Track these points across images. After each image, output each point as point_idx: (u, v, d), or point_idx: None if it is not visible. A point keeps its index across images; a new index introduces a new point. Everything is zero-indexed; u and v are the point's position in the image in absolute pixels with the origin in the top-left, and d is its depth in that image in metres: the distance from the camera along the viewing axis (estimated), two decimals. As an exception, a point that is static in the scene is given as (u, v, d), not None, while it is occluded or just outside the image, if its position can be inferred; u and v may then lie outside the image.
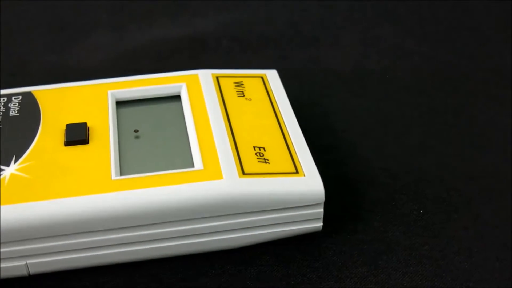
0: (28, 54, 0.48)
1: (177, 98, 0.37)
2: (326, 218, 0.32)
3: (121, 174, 0.31)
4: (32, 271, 0.31)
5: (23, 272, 0.31)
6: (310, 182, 0.31)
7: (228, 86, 0.37)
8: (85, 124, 0.34)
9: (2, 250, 0.30)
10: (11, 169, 0.31)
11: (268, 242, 0.32)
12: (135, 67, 0.46)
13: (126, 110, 0.36)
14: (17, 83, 0.39)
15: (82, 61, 0.47)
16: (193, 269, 0.32)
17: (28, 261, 0.30)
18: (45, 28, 0.51)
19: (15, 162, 0.32)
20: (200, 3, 0.54)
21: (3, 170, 0.31)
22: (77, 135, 0.33)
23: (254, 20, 0.52)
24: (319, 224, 0.32)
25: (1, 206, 0.30)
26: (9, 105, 0.36)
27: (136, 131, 0.34)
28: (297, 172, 0.32)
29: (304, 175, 0.32)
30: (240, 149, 0.32)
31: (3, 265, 0.30)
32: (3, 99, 0.36)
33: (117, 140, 0.33)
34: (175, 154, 0.33)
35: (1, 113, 0.35)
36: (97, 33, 0.50)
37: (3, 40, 0.50)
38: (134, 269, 0.32)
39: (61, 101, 0.36)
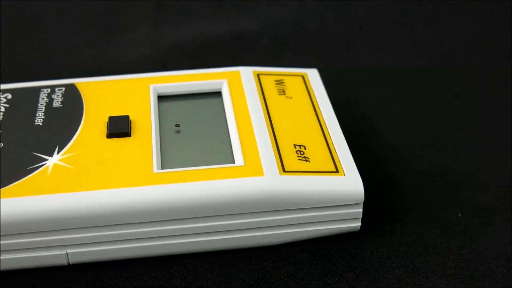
0: (70, 47, 0.49)
1: (217, 94, 0.37)
2: (363, 218, 0.32)
3: (162, 168, 0.32)
4: (72, 260, 0.31)
5: (63, 261, 0.31)
6: (350, 182, 0.31)
7: (269, 84, 0.37)
8: (127, 117, 0.34)
9: (43, 238, 0.30)
10: (54, 159, 0.32)
11: (305, 240, 0.32)
12: (174, 62, 0.47)
13: (167, 104, 0.36)
14: (59, 75, 0.40)
15: (122, 56, 0.48)
16: (230, 264, 0.32)
17: (68, 251, 0.31)
18: (88, 21, 0.52)
19: (58, 153, 0.32)
20: (242, 1, 0.54)
21: (46, 160, 0.32)
22: (119, 127, 0.33)
23: (294, 19, 0.52)
24: (357, 224, 0.32)
25: (44, 195, 0.30)
26: (53, 96, 0.36)
27: (177, 125, 0.35)
28: (337, 171, 0.32)
29: (344, 175, 0.32)
30: (280, 147, 0.33)
31: (44, 253, 0.31)
32: (47, 90, 0.37)
33: (158, 134, 0.34)
34: (215, 150, 0.33)
35: (44, 103, 0.35)
36: (138, 28, 0.51)
37: (48, 32, 0.50)
38: (171, 262, 0.32)
39: (103, 94, 0.36)
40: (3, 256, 0.30)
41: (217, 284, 0.31)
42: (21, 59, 0.48)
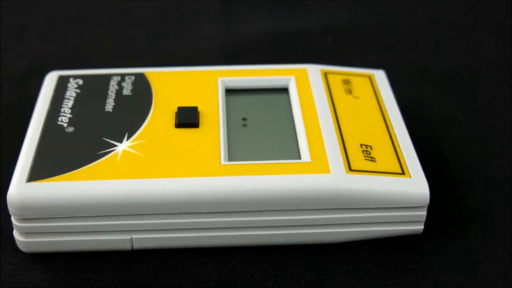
0: (138, 38, 0.50)
1: (284, 90, 0.37)
2: (426, 221, 0.32)
3: (229, 160, 0.32)
4: (136, 246, 0.32)
5: (127, 246, 0.32)
6: (415, 184, 0.31)
7: (336, 83, 0.37)
8: (196, 108, 0.34)
9: (109, 222, 0.31)
10: (124, 146, 0.32)
11: (367, 240, 0.32)
12: (239, 57, 0.47)
13: (234, 98, 0.36)
14: (128, 64, 0.40)
15: (188, 48, 0.48)
16: (291, 259, 0.32)
17: (133, 236, 0.31)
18: (156, 13, 0.52)
19: (127, 139, 0.33)
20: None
21: (116, 146, 0.32)
22: (188, 118, 0.34)
23: (360, 19, 0.52)
24: (420, 227, 0.32)
25: (113, 180, 0.30)
26: (122, 84, 0.37)
27: (244, 119, 0.35)
28: (403, 173, 0.32)
29: (410, 177, 0.32)
30: (347, 146, 0.33)
31: (110, 237, 0.31)
32: (117, 78, 0.37)
33: (226, 127, 0.34)
34: (282, 145, 0.33)
35: (114, 91, 0.36)
36: (205, 21, 0.51)
37: (117, 23, 0.51)
38: (232, 253, 0.32)
39: (172, 84, 0.37)
40: (72, 238, 0.31)
41: (277, 278, 0.31)
42: (90, 47, 0.49)
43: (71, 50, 0.48)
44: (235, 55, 0.47)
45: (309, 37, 0.50)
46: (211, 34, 0.50)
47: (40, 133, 0.33)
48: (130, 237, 0.31)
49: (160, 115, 0.34)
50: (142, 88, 0.36)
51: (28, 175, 0.31)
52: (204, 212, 0.31)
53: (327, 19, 0.52)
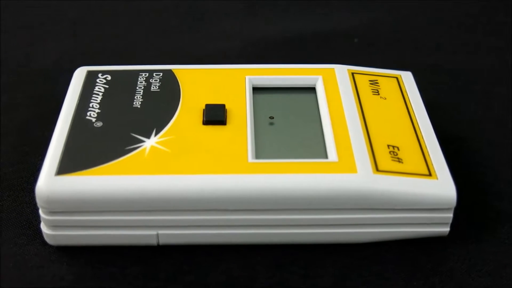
0: (164, 36, 0.50)
1: (311, 90, 0.37)
2: (452, 224, 0.32)
3: (256, 158, 0.32)
4: (162, 241, 0.32)
5: (153, 242, 0.32)
6: (442, 186, 0.31)
7: (363, 83, 0.37)
8: (223, 105, 0.34)
9: (137, 218, 0.31)
10: (152, 142, 0.33)
11: (393, 241, 0.32)
12: (265, 56, 0.47)
13: (262, 96, 0.36)
14: (154, 61, 0.40)
15: (214, 46, 0.48)
16: (315, 259, 0.32)
17: (160, 232, 0.32)
18: (183, 12, 0.53)
19: (155, 135, 0.33)
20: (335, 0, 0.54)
21: (144, 141, 0.33)
22: (216, 115, 0.34)
23: (386, 20, 0.52)
24: (446, 229, 0.32)
25: (141, 176, 0.31)
26: (150, 80, 0.37)
27: (271, 117, 0.35)
28: (430, 174, 0.32)
29: (437, 178, 0.32)
30: (374, 146, 0.33)
31: (136, 232, 0.31)
32: (145, 74, 0.37)
33: (253, 124, 0.34)
34: (309, 144, 0.33)
35: (142, 87, 0.36)
36: (231, 20, 0.51)
37: (143, 21, 0.51)
38: (255, 251, 0.32)
39: (200, 82, 0.37)
40: (99, 232, 0.31)
41: (301, 277, 0.31)
42: (118, 43, 0.49)
43: (100, 46, 0.49)
44: (261, 54, 0.47)
45: (335, 37, 0.50)
46: (236, 33, 0.50)
47: (69, 127, 0.33)
48: (156, 233, 0.32)
49: (187, 112, 0.34)
50: (170, 84, 0.37)
51: (57, 168, 0.31)
52: (230, 210, 0.31)
53: (354, 19, 0.52)
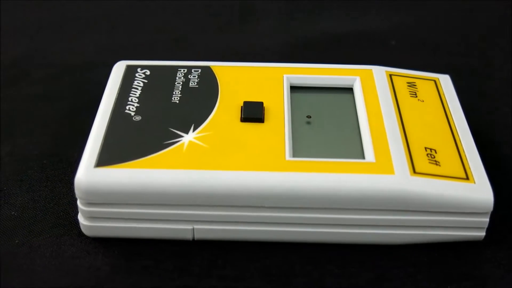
0: (203, 33, 0.50)
1: (349, 90, 0.37)
2: (487, 228, 0.32)
3: (294, 156, 0.32)
4: (197, 236, 0.32)
5: (188, 236, 0.32)
6: (479, 190, 0.31)
7: (401, 85, 0.37)
8: (262, 103, 0.35)
9: (174, 212, 0.31)
10: (190, 137, 0.33)
11: (428, 244, 0.32)
12: (303, 55, 0.47)
13: (299, 95, 0.37)
14: (193, 58, 0.41)
15: (253, 44, 0.49)
16: (350, 258, 0.32)
17: (195, 226, 0.32)
18: (223, 10, 0.53)
19: (193, 131, 0.33)
20: (373, 1, 0.54)
21: (182, 136, 0.33)
22: (254, 113, 0.34)
23: (427, 22, 0.52)
24: (482, 233, 0.32)
25: (179, 170, 0.31)
26: (189, 76, 0.37)
27: (308, 116, 0.35)
28: (467, 178, 0.32)
29: (475, 182, 0.31)
30: (411, 148, 0.33)
31: (172, 226, 0.32)
32: (183, 70, 0.38)
33: (290, 123, 0.34)
34: (346, 144, 0.33)
35: (181, 82, 0.37)
36: (271, 18, 0.52)
37: (184, 18, 0.52)
38: (291, 249, 0.32)
39: (238, 79, 0.37)
40: (135, 225, 0.32)
41: (336, 276, 0.31)
42: (157, 39, 0.49)
43: (138, 41, 0.49)
44: (299, 53, 0.47)
45: (372, 39, 0.50)
46: (275, 32, 0.50)
47: (108, 120, 0.34)
48: (192, 227, 0.32)
49: (225, 109, 0.35)
50: (208, 81, 0.37)
51: (96, 160, 0.31)
52: (266, 207, 0.31)
53: (392, 21, 0.52)
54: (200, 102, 0.35)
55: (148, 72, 0.37)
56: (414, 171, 0.31)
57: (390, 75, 0.38)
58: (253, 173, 0.31)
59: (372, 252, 0.32)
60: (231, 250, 0.32)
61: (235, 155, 0.32)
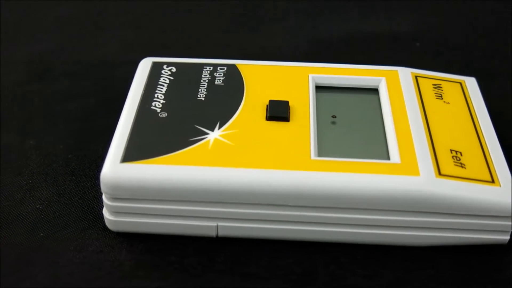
0: (227, 31, 0.50)
1: (374, 91, 0.37)
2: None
3: (319, 155, 0.32)
4: (221, 233, 0.32)
5: (212, 233, 0.32)
6: (505, 193, 0.31)
7: (427, 87, 0.37)
8: (287, 102, 0.35)
9: (197, 208, 0.31)
10: (215, 134, 0.33)
11: (451, 246, 0.32)
12: (329, 55, 0.47)
13: (324, 95, 0.37)
14: (217, 55, 0.41)
15: (278, 43, 0.49)
16: (373, 259, 0.32)
17: (219, 223, 0.32)
18: (247, 9, 0.53)
19: (219, 128, 0.33)
20: (399, 2, 0.54)
21: (207, 134, 0.33)
22: (279, 111, 0.34)
23: (452, 24, 0.51)
24: (506, 237, 0.32)
25: (205, 167, 0.31)
26: (215, 74, 0.37)
27: (333, 116, 0.35)
28: (493, 181, 0.32)
29: (500, 185, 0.31)
30: (437, 150, 0.33)
31: (197, 223, 0.32)
32: (209, 68, 0.38)
33: (315, 122, 0.34)
34: (371, 144, 0.33)
35: (207, 80, 0.37)
36: (296, 18, 0.52)
37: (208, 17, 0.52)
38: (314, 248, 0.32)
39: (263, 78, 0.37)
40: (160, 221, 0.32)
41: (358, 276, 0.31)
42: (182, 37, 0.49)
43: (163, 39, 0.49)
44: (325, 53, 0.47)
45: (397, 40, 0.50)
46: (301, 31, 0.50)
47: (134, 116, 0.34)
48: (216, 224, 0.32)
49: (251, 107, 0.35)
50: (234, 79, 0.37)
51: (122, 156, 0.32)
52: (290, 205, 0.31)
53: (417, 23, 0.51)
54: (225, 100, 0.35)
55: (174, 69, 0.38)
56: (439, 173, 0.31)
57: (416, 77, 0.38)
58: (278, 172, 0.31)
59: (395, 253, 0.32)
60: (255, 248, 0.32)
61: (260, 153, 0.32)
